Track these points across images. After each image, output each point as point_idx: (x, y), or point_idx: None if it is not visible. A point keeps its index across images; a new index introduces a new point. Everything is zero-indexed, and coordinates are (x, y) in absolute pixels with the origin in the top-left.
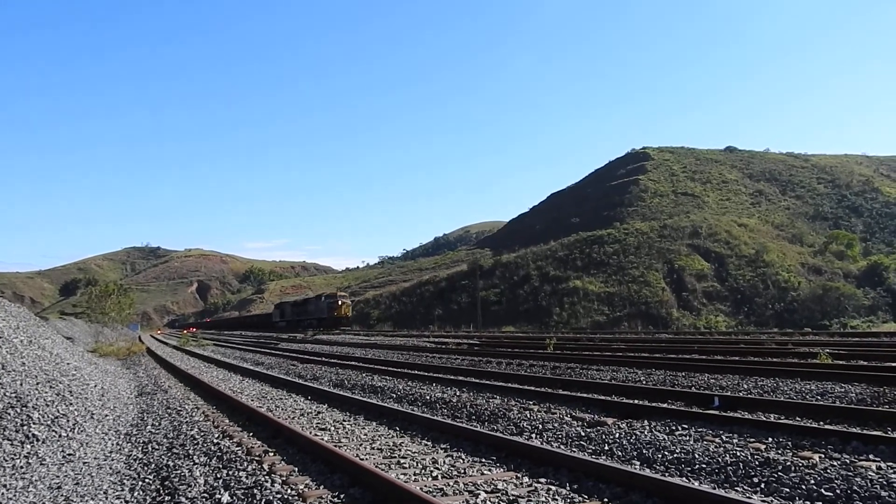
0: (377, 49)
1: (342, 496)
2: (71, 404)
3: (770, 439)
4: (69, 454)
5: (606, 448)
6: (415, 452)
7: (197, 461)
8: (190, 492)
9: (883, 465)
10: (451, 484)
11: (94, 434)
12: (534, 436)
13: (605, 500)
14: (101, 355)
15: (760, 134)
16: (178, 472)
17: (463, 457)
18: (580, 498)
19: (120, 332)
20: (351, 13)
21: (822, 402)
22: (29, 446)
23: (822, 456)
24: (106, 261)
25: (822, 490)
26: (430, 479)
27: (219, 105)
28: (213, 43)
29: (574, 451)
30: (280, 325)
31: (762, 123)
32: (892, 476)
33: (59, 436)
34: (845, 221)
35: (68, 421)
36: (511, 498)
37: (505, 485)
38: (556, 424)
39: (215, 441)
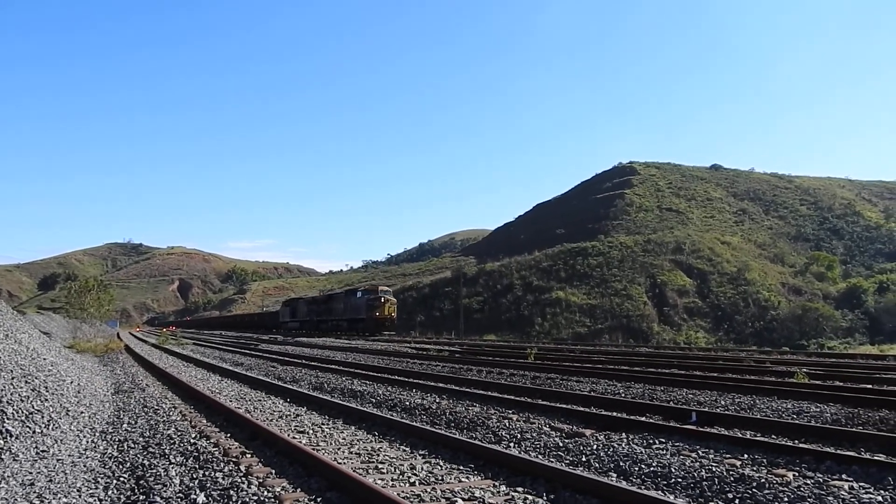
0: (368, 59)
1: (319, 499)
2: (46, 400)
3: (745, 456)
4: (43, 451)
5: (584, 459)
6: (393, 458)
7: (173, 461)
8: (165, 491)
9: (855, 485)
10: (429, 490)
11: (69, 431)
12: (512, 445)
13: None
14: (79, 351)
15: (746, 154)
16: (154, 471)
17: (441, 463)
18: None
19: (98, 329)
20: (342, 24)
21: (797, 421)
22: (2, 442)
23: (796, 474)
24: (86, 256)
25: None
26: (407, 484)
27: (210, 106)
28: (202, 46)
29: (552, 462)
30: (290, 327)
31: (748, 143)
32: (864, 496)
33: (34, 432)
34: (826, 243)
35: (43, 417)
36: None
37: (482, 493)
38: (534, 434)
39: (192, 441)
